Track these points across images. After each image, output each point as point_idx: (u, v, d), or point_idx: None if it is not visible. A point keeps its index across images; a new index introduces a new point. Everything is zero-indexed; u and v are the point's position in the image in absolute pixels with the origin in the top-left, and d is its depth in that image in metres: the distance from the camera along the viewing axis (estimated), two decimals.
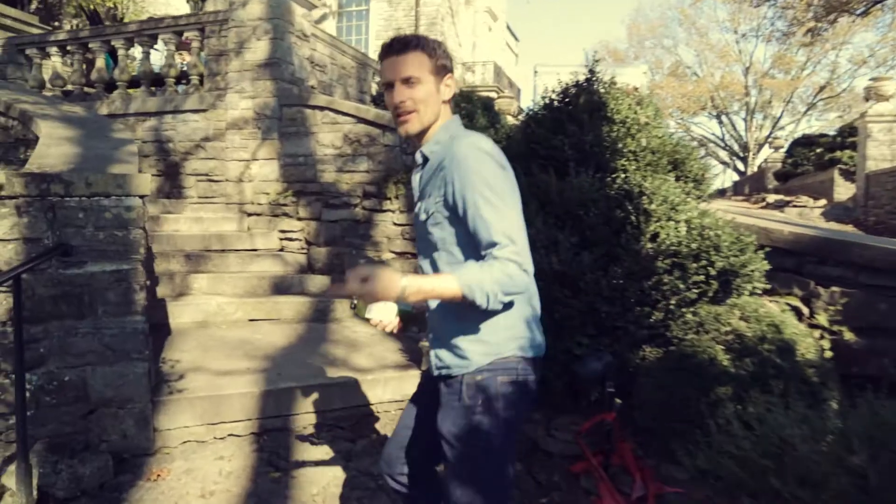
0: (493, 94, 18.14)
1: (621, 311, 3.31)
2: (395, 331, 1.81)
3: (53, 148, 4.30)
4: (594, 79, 3.98)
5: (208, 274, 5.90)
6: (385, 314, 1.71)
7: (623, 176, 3.61)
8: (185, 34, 7.71)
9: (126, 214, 3.28)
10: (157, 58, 9.02)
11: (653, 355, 3.39)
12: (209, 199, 7.60)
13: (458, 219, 1.64)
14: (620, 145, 3.72)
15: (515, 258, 1.52)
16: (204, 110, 7.58)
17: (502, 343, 1.67)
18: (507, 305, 1.62)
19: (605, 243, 3.40)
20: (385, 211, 6.58)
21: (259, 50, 7.16)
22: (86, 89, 8.67)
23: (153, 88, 8.27)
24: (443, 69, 1.74)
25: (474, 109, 8.72)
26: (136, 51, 8.31)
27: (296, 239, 6.95)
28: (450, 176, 1.63)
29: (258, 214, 7.27)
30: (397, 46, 1.71)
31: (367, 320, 1.72)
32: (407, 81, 1.68)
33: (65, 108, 5.82)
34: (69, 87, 8.68)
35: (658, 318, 3.37)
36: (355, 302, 1.71)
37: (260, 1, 7.12)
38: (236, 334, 5.03)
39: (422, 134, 1.77)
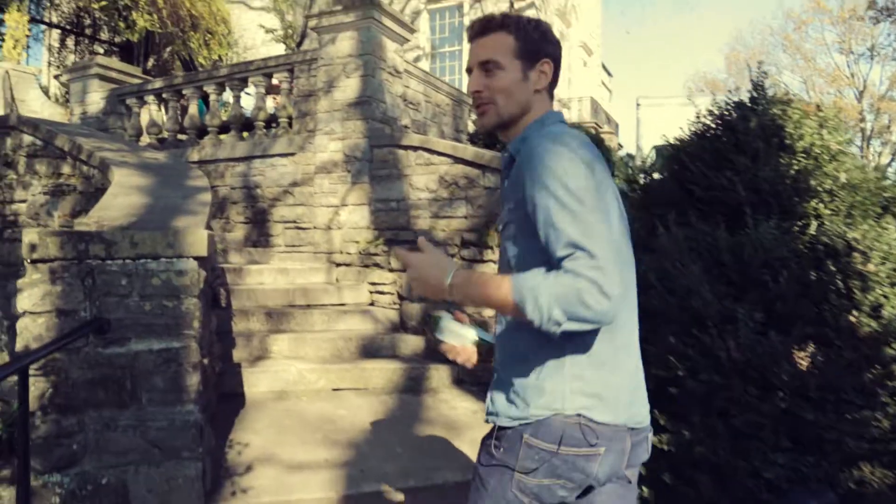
0: (592, 131, 17.26)
1: (834, 417, 2.33)
2: (470, 364, 1.58)
3: (120, 198, 3.83)
4: (764, 96, 3.06)
5: (290, 334, 5.30)
6: (459, 337, 1.54)
7: (816, 224, 2.66)
8: (275, 76, 7.38)
9: (177, 280, 2.66)
10: (250, 102, 8.80)
11: (877, 478, 2.38)
12: (296, 247, 7.11)
13: (533, 230, 1.29)
14: (809, 182, 2.77)
15: (590, 273, 1.15)
16: (292, 154, 7.15)
17: (566, 396, 1.30)
18: (582, 345, 1.30)
19: (803, 320, 2.44)
20: (486, 261, 5.80)
21: (349, 88, 6.67)
22: (179, 136, 8.53)
23: (244, 133, 7.98)
24: (534, 53, 1.44)
25: None
26: (228, 95, 8.08)
27: (387, 292, 6.28)
28: (522, 175, 1.33)
29: (347, 265, 6.69)
30: (478, 27, 1.46)
31: (440, 342, 1.56)
32: (484, 66, 1.44)
33: (146, 154, 5.48)
34: (164, 134, 8.57)
35: (885, 426, 2.36)
36: (432, 314, 1.56)
37: (350, 37, 6.66)
38: (317, 409, 4.34)
39: (507, 129, 1.49)
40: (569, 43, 25.32)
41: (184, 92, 8.23)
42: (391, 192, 6.47)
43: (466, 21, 21.90)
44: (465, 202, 5.98)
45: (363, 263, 6.56)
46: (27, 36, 17.31)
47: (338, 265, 6.75)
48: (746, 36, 53.52)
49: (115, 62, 9.29)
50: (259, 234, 7.44)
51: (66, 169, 5.43)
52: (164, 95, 8.44)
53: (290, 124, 7.33)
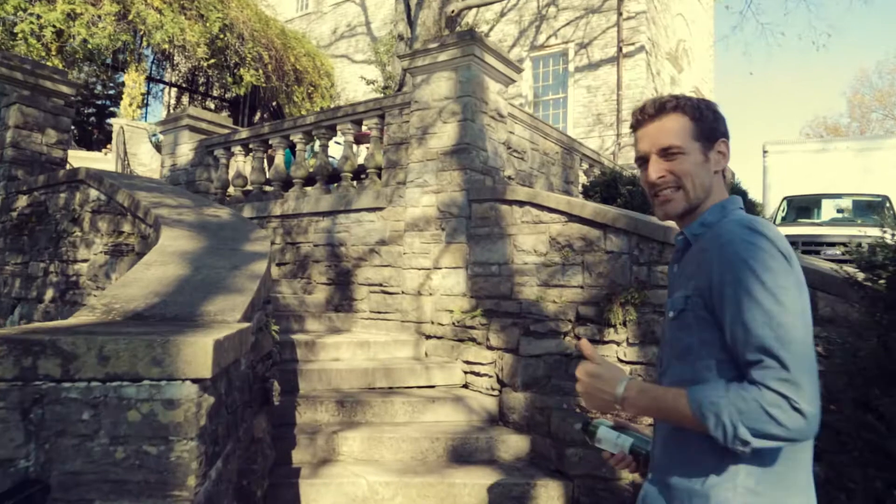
0: None
1: None
2: (630, 470, 1.46)
3: (154, 268, 3.03)
4: None
5: (365, 428, 4.32)
6: (616, 446, 1.47)
7: None
8: (364, 123, 6.66)
9: (165, 415, 1.73)
10: (339, 151, 8.16)
11: None
12: (382, 314, 6.22)
13: (715, 321, 1.21)
14: None
15: (781, 388, 1.04)
16: (380, 208, 6.34)
17: None
18: (761, 456, 1.14)
19: None
20: (608, 342, 4.64)
21: (445, 135, 5.80)
22: (266, 188, 7.99)
23: (332, 185, 7.30)
24: (712, 133, 1.37)
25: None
26: (316, 145, 7.45)
27: (484, 374, 5.21)
28: (709, 262, 1.23)
29: (438, 337, 5.69)
30: (650, 110, 1.38)
31: (596, 448, 1.51)
32: (666, 153, 1.36)
33: (208, 211, 4.78)
34: (249, 186, 8.07)
35: None
36: (590, 422, 1.51)
37: (448, 77, 5.83)
38: None
39: (687, 216, 1.39)
40: (680, 88, 23.85)
41: (270, 142, 7.70)
42: (492, 254, 5.46)
43: (571, 67, 21.11)
44: (582, 269, 4.86)
45: (457, 337, 5.54)
46: (143, 94, 18.10)
47: (428, 337, 5.77)
48: (872, 77, 49.53)
49: (205, 112, 8.99)
50: (342, 298, 6.62)
51: (126, 227, 4.82)
52: (250, 146, 7.96)
53: (378, 175, 6.55)
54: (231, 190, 8.21)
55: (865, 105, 35.10)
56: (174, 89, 23.58)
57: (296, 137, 7.37)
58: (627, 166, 9.53)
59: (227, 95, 20.31)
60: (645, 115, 1.40)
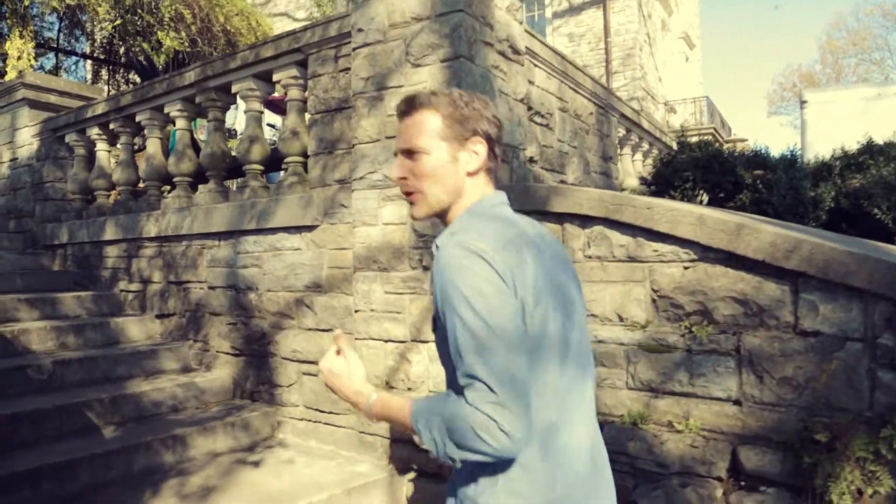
0: (710, 138, 13.25)
1: None
2: None
3: None
4: None
5: None
6: None
7: None
8: (276, 76, 3.85)
9: None
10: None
11: None
12: (325, 414, 3.53)
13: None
14: None
15: (489, 411, 1.03)
16: (309, 227, 3.59)
17: None
18: (525, 461, 1.13)
19: None
20: None
21: (420, 88, 3.06)
22: (148, 191, 5.11)
23: (230, 183, 4.53)
24: (464, 132, 1.25)
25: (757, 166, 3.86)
26: (206, 120, 4.61)
27: None
28: (435, 284, 1.19)
29: (431, 475, 3.04)
30: (402, 107, 1.30)
31: None
32: (408, 153, 1.28)
33: None
34: (115, 192, 5.24)
35: None
36: None
37: None
38: None
39: (443, 218, 1.31)
40: (671, 33, 21.15)
41: (138, 118, 4.84)
42: None
43: (548, 13, 18.31)
44: (738, 363, 2.23)
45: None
46: (32, 67, 14.69)
47: (412, 470, 3.11)
48: (849, 19, 47.29)
49: (53, 79, 6.05)
50: (258, 380, 3.91)
51: None
52: (112, 126, 5.08)
53: (304, 167, 3.79)
54: (100, 195, 5.34)
55: (839, 50, 33.01)
56: (91, 64, 20.08)
57: (173, 109, 4.53)
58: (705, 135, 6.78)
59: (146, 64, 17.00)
60: (399, 111, 1.30)
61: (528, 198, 2.74)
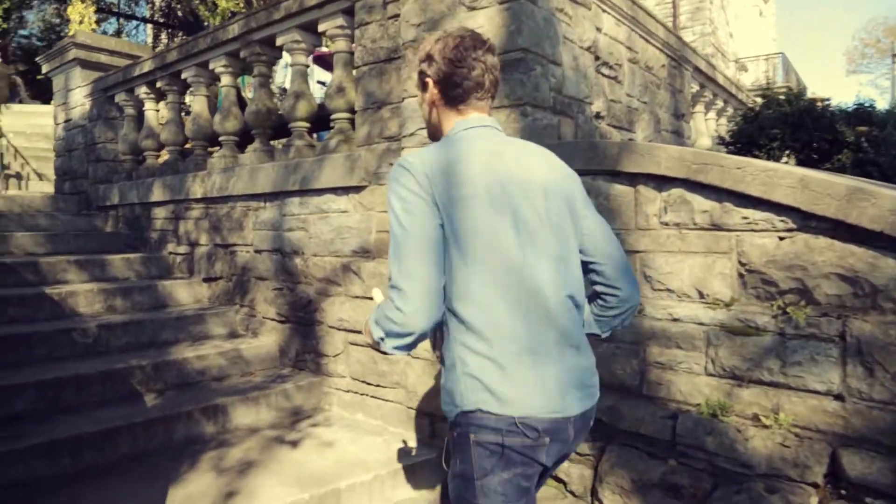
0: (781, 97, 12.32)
1: None
2: None
3: None
4: None
5: None
6: None
7: None
8: (321, 25, 3.60)
9: None
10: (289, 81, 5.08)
11: None
12: (372, 387, 3.36)
13: None
14: None
15: (391, 294, 1.25)
16: (357, 188, 3.37)
17: (464, 393, 1.27)
18: (464, 345, 1.26)
19: None
20: None
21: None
22: (188, 146, 5.01)
23: (277, 142, 4.35)
24: (422, 74, 1.42)
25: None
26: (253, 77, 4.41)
27: None
28: None
29: None
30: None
31: None
32: None
33: None
34: (164, 152, 5.14)
35: None
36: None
37: None
38: None
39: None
40: None
41: (183, 75, 4.69)
42: None
43: None
44: (842, 353, 1.90)
45: None
46: (94, 31, 14.87)
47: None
48: None
49: (104, 38, 5.94)
50: (303, 349, 3.76)
51: None
52: (159, 84, 4.96)
53: (351, 124, 3.55)
54: (148, 156, 5.26)
55: None
56: (152, 28, 20.23)
57: (217, 65, 4.36)
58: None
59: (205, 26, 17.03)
60: None
61: (595, 155, 2.43)
